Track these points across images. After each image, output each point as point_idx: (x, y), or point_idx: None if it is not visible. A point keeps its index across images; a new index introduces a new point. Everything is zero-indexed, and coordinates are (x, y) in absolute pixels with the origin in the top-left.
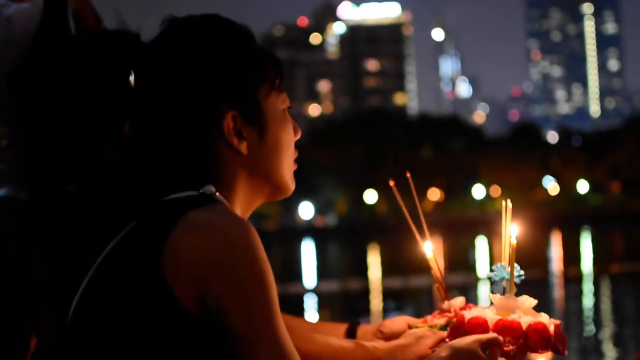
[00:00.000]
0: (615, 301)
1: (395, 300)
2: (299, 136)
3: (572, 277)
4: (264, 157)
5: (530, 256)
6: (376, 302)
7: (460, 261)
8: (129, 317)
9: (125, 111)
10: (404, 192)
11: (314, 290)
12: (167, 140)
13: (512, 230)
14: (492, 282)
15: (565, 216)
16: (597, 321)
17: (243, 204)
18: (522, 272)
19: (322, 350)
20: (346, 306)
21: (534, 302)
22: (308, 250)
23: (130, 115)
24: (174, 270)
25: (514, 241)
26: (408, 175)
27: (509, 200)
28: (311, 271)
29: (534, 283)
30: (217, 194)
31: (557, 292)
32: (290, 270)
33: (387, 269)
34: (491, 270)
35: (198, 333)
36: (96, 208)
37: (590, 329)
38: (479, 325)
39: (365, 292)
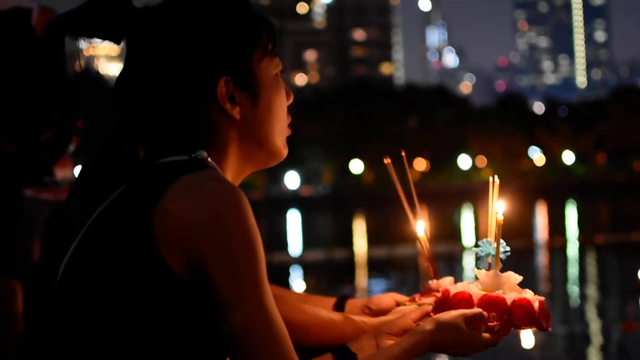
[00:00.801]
0: (600, 271)
1: (381, 270)
2: (291, 100)
3: (557, 247)
4: (256, 122)
5: (516, 226)
6: (361, 271)
7: (445, 230)
8: (118, 277)
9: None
10: (394, 165)
11: (300, 260)
12: (160, 105)
13: (499, 206)
14: (478, 258)
15: (551, 187)
16: (582, 291)
17: (235, 170)
18: (508, 248)
19: (311, 320)
20: (331, 275)
21: (519, 278)
22: (294, 219)
23: (123, 80)
24: (163, 233)
25: (500, 217)
26: (403, 154)
27: (496, 177)
28: (297, 240)
29: (519, 253)
30: (209, 159)
31: (542, 261)
32: (276, 240)
33: (373, 239)
34: (477, 246)
35: (186, 296)
36: (87, 171)
37: (575, 298)
38: (464, 301)
39: (350, 261)
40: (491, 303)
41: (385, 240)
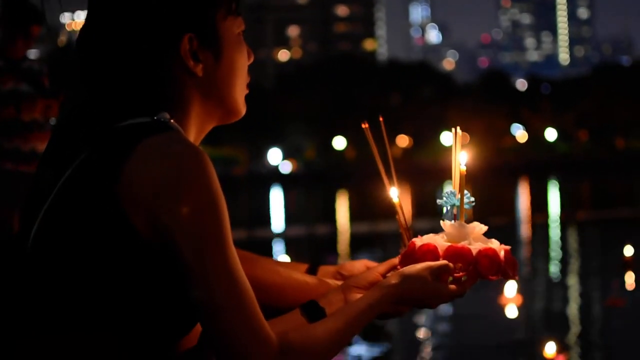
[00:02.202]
0: (582, 248)
1: (363, 245)
2: (252, 60)
3: (539, 223)
4: (218, 80)
5: (498, 203)
6: (343, 246)
7: (427, 207)
8: (86, 242)
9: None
10: (374, 138)
11: (282, 235)
12: (123, 63)
13: (462, 157)
14: (443, 209)
15: (533, 164)
16: (565, 267)
17: (196, 128)
18: (472, 199)
19: (285, 283)
20: (313, 250)
21: (484, 228)
22: (276, 196)
23: (85, 37)
24: (129, 197)
25: (463, 168)
26: (381, 119)
27: (458, 128)
28: (279, 216)
29: (501, 229)
30: (172, 120)
31: (524, 238)
32: (258, 216)
33: (355, 215)
34: (441, 197)
35: (154, 259)
36: (55, 137)
37: (558, 275)
38: (430, 252)
39: (332, 237)
40: (457, 254)
41: (368, 216)
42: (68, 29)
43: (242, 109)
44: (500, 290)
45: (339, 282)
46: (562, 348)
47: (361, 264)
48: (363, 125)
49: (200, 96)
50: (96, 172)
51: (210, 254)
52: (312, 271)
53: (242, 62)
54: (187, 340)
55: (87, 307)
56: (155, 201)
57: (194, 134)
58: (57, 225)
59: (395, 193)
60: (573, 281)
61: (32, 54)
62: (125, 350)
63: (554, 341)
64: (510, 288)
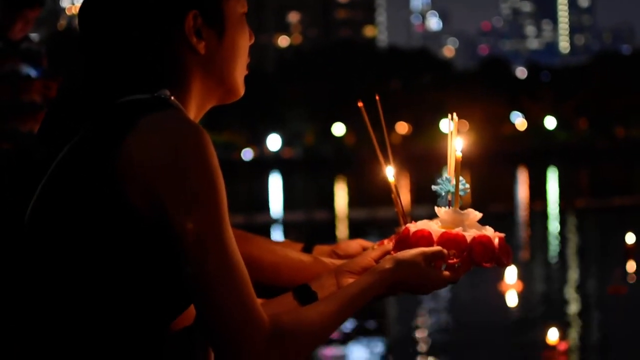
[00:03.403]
0: (581, 235)
1: (361, 231)
2: (252, 41)
3: (538, 211)
4: (220, 59)
5: (497, 190)
6: (342, 232)
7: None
8: (84, 218)
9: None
10: (371, 122)
11: (280, 220)
12: (124, 39)
13: (457, 143)
14: (438, 195)
15: (532, 152)
16: (563, 254)
17: (196, 106)
18: (467, 185)
19: (280, 261)
20: (312, 236)
21: (478, 215)
22: (275, 181)
23: (87, 10)
24: (127, 173)
25: (459, 154)
26: (377, 98)
27: (455, 114)
28: (278, 202)
29: (500, 216)
30: (172, 97)
31: (523, 225)
32: (257, 201)
33: (354, 201)
34: (436, 183)
35: (150, 236)
36: (53, 113)
37: (555, 262)
38: (424, 238)
39: (331, 222)
40: (451, 240)
41: (366, 202)
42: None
43: (242, 89)
44: (499, 277)
45: (335, 261)
46: (564, 334)
47: (356, 244)
48: (359, 104)
49: (202, 74)
50: (95, 148)
51: (206, 231)
52: (307, 250)
53: (244, 42)
54: (181, 320)
55: (83, 282)
56: (153, 178)
57: (194, 112)
58: (54, 201)
59: (391, 172)
60: (572, 269)
61: (32, 36)
62: (119, 328)
63: (555, 327)
64: (510, 275)
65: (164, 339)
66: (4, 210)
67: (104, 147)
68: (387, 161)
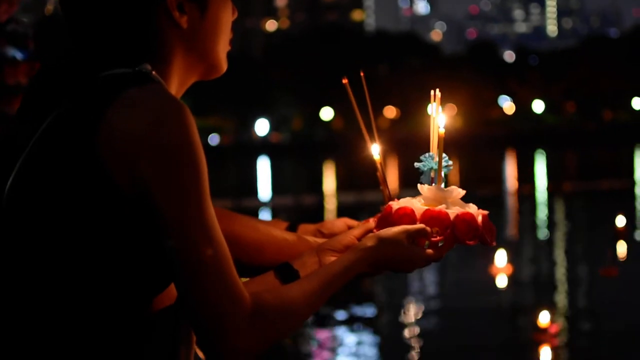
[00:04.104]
0: (568, 218)
1: (349, 214)
2: (235, 16)
3: (526, 194)
4: (202, 33)
5: (485, 173)
6: (330, 216)
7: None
8: (64, 193)
9: None
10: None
11: (269, 204)
12: (105, 13)
13: (440, 119)
14: (421, 173)
15: (520, 135)
16: (552, 238)
17: (178, 81)
18: (450, 162)
19: (264, 239)
20: (300, 219)
21: (462, 192)
22: (263, 166)
23: None
24: (108, 148)
25: (442, 130)
26: (362, 74)
27: (437, 90)
28: (266, 186)
29: (488, 200)
30: (154, 72)
31: (512, 209)
32: (245, 185)
33: (342, 185)
34: (419, 161)
35: (132, 212)
36: (33, 87)
37: (544, 245)
38: (406, 216)
39: (319, 206)
40: (434, 218)
41: (355, 186)
42: None
43: (224, 65)
44: (490, 260)
45: (319, 240)
46: (555, 317)
47: (341, 222)
48: (343, 81)
49: (184, 49)
50: (75, 122)
51: (186, 207)
52: (292, 229)
53: (227, 17)
54: (164, 298)
55: (62, 259)
56: (134, 152)
57: (175, 87)
58: (33, 177)
59: (376, 150)
60: (562, 252)
61: (19, 18)
62: (100, 306)
63: (547, 310)
64: (500, 258)
65: (146, 318)
66: None
67: (84, 121)
68: (372, 139)
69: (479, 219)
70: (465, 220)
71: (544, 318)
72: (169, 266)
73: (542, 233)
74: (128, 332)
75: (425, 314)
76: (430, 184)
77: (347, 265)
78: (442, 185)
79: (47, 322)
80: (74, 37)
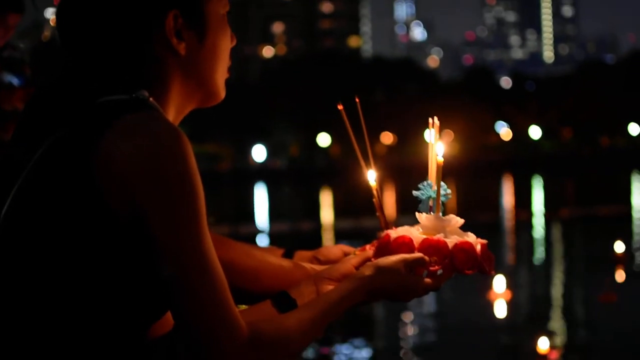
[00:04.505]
0: (567, 245)
1: (347, 241)
2: (234, 44)
3: (523, 220)
4: (200, 61)
5: (482, 199)
6: (327, 242)
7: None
8: (60, 219)
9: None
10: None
11: (266, 231)
12: (103, 38)
13: (439, 148)
14: (419, 201)
15: (517, 161)
16: (549, 264)
17: (175, 108)
18: (448, 191)
19: (259, 266)
20: (298, 246)
21: (460, 221)
22: (260, 192)
23: (66, 12)
24: (104, 174)
25: (440, 159)
26: (357, 100)
27: (435, 118)
28: (263, 212)
29: (485, 226)
30: (151, 99)
31: (508, 235)
32: (242, 212)
33: (339, 211)
34: (417, 189)
35: (128, 240)
36: (30, 112)
37: (542, 271)
38: (405, 245)
39: (316, 232)
40: (432, 247)
41: (352, 212)
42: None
43: (222, 92)
44: (488, 286)
45: (316, 266)
46: (554, 343)
47: (338, 249)
48: (338, 107)
49: (181, 76)
50: (71, 148)
51: (183, 234)
52: (288, 255)
53: (225, 44)
54: (159, 326)
55: (57, 285)
56: (130, 179)
57: (173, 114)
58: (30, 202)
59: (372, 176)
60: (560, 278)
61: (15, 44)
62: (95, 332)
63: (546, 336)
64: (498, 284)
65: (143, 344)
66: None
67: (81, 147)
68: (368, 165)
69: (478, 248)
70: (464, 249)
71: (543, 344)
72: (164, 293)
73: (540, 259)
74: (126, 358)
75: (423, 341)
76: (428, 213)
77: (344, 295)
78: (441, 214)
79: (43, 348)
80: (71, 62)
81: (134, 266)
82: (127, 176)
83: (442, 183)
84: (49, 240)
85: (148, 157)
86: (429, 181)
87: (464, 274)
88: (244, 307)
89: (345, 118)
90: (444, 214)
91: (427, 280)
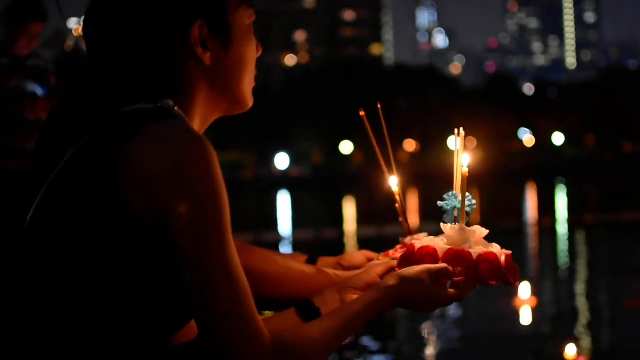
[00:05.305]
0: (591, 251)
1: (370, 248)
2: (260, 53)
3: (547, 226)
4: (226, 70)
5: (505, 206)
6: (351, 250)
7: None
8: (83, 227)
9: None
10: (377, 136)
11: (289, 238)
12: (129, 48)
13: (464, 158)
14: (444, 212)
15: (540, 168)
16: (574, 270)
17: (201, 117)
18: (473, 202)
19: (282, 272)
20: (321, 253)
21: (485, 231)
22: (283, 200)
23: (92, 21)
24: (128, 183)
25: (465, 169)
26: (379, 106)
27: (461, 129)
28: (286, 220)
29: (508, 232)
30: (176, 108)
31: (532, 241)
32: (265, 219)
33: (362, 219)
34: (442, 199)
35: (149, 247)
36: (55, 119)
37: (567, 277)
38: (429, 255)
39: (339, 240)
40: (457, 257)
41: (375, 220)
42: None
43: (249, 101)
44: (513, 292)
45: (339, 272)
46: (581, 350)
47: (361, 255)
48: (360, 113)
49: (207, 85)
50: (96, 156)
51: (206, 243)
52: (311, 262)
53: (251, 53)
54: (182, 334)
55: (82, 293)
56: (155, 187)
57: (198, 123)
58: (54, 209)
59: (394, 182)
60: (585, 284)
61: (40, 52)
62: (119, 340)
63: (573, 343)
64: (523, 291)
65: (165, 352)
66: (3, 221)
67: (105, 155)
68: (390, 170)
69: (502, 259)
70: (488, 260)
71: (570, 350)
72: (187, 300)
73: (564, 266)
74: None
75: (446, 346)
76: (453, 223)
77: (368, 304)
78: (465, 225)
79: (65, 353)
80: (96, 71)
81: (156, 274)
82: (151, 185)
83: (467, 194)
84: (72, 246)
85: (172, 166)
86: (454, 192)
87: (488, 284)
88: (269, 313)
89: (366, 123)
90: (469, 224)
91: (451, 290)
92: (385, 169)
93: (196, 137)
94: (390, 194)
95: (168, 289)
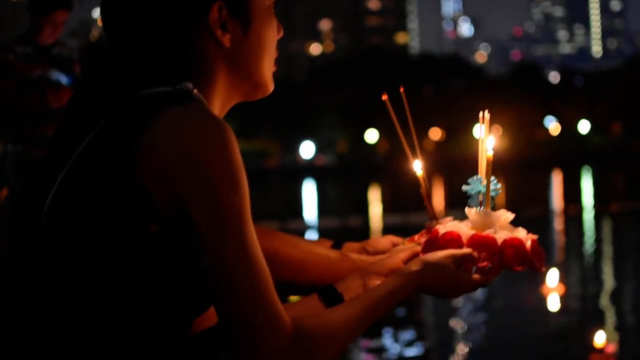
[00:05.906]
0: (616, 238)
1: (396, 235)
2: (281, 35)
3: (573, 215)
4: (246, 52)
5: (531, 194)
6: (376, 237)
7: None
8: (102, 211)
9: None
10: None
11: (315, 226)
12: (147, 31)
13: (489, 142)
14: (468, 196)
15: (566, 156)
16: (600, 257)
17: (221, 101)
18: (499, 186)
19: (306, 257)
20: (347, 241)
21: (510, 216)
22: (309, 188)
23: (110, 6)
24: (147, 167)
25: (490, 153)
26: (402, 90)
27: (486, 112)
28: (312, 208)
29: (535, 220)
30: (195, 90)
31: (558, 229)
32: (291, 207)
33: (388, 207)
34: (467, 184)
35: (167, 231)
36: (74, 104)
37: (590, 263)
38: (453, 241)
39: (365, 228)
40: (481, 243)
41: (400, 208)
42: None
43: (270, 85)
44: (541, 280)
45: (364, 258)
46: (610, 337)
47: (386, 240)
48: (383, 97)
49: (227, 68)
50: (115, 140)
51: (225, 226)
52: (336, 247)
53: (272, 35)
54: (201, 320)
55: (100, 278)
56: (173, 171)
57: (218, 107)
58: (73, 193)
59: (418, 166)
60: (612, 272)
61: (66, 41)
62: (137, 327)
63: (602, 330)
64: (551, 278)
65: (184, 339)
66: (22, 207)
67: (124, 139)
68: (415, 155)
69: (528, 244)
70: (514, 245)
71: (599, 338)
72: (206, 287)
73: (590, 252)
74: (168, 354)
75: (474, 333)
76: (478, 208)
77: (391, 290)
78: (490, 209)
79: (85, 342)
80: (115, 55)
81: (175, 260)
82: (169, 168)
83: (492, 178)
84: (90, 232)
85: (191, 149)
86: (479, 176)
87: (513, 270)
88: (295, 298)
89: (389, 108)
90: (494, 209)
91: (476, 276)
92: (409, 153)
93: (215, 121)
94: (415, 179)
95: (187, 276)
